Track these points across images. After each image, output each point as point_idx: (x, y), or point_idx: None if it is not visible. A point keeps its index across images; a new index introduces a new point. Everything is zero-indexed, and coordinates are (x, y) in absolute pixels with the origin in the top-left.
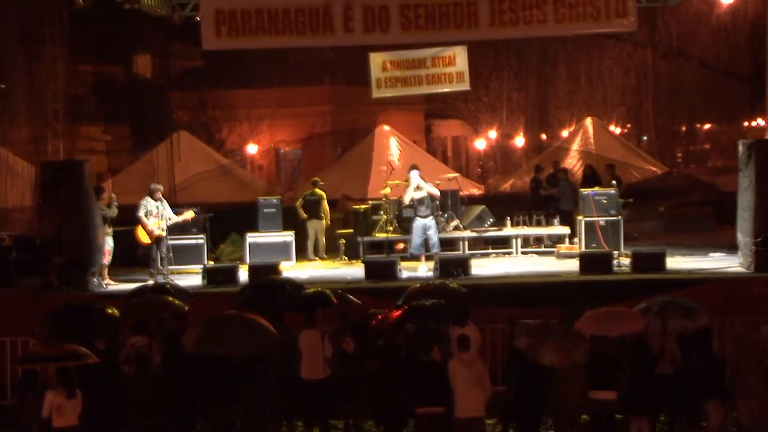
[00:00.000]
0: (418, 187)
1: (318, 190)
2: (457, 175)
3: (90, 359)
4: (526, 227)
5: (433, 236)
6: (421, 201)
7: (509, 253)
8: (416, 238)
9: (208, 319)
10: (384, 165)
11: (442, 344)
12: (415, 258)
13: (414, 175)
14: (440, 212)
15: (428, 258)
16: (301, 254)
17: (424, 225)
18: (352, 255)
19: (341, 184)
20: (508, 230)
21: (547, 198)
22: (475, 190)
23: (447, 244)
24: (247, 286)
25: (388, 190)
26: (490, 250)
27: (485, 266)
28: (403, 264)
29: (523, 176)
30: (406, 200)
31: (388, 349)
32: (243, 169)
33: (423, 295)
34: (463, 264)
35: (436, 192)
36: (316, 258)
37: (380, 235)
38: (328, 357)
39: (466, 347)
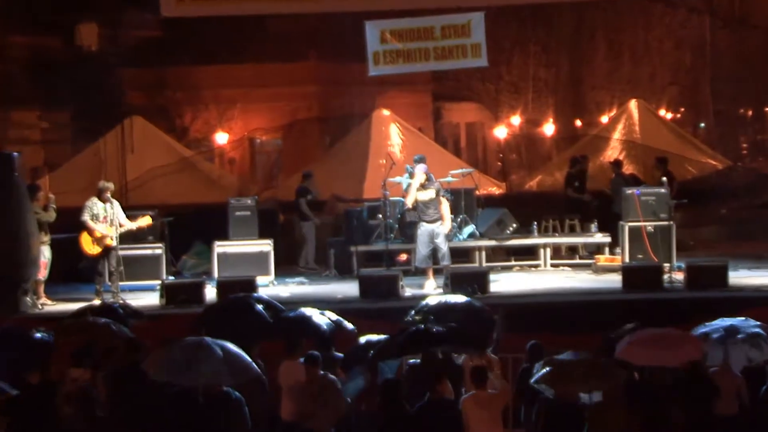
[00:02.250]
0: (423, 186)
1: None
2: (472, 170)
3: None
4: (556, 234)
5: (443, 245)
6: (427, 203)
7: (536, 266)
8: (422, 248)
9: (171, 346)
10: (383, 158)
11: (454, 378)
12: (421, 272)
13: (419, 170)
14: (452, 216)
15: (437, 272)
16: (286, 266)
17: (432, 232)
18: (343, 268)
19: (330, 181)
20: (534, 238)
21: (578, 200)
22: (495, 189)
23: (460, 254)
24: (214, 306)
25: (387, 189)
26: (513, 263)
27: (506, 282)
28: (407, 279)
29: (553, 172)
30: (410, 202)
31: (388, 384)
32: (210, 163)
33: (436, 313)
34: (479, 279)
35: (445, 206)
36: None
37: (378, 244)
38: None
39: (482, 382)
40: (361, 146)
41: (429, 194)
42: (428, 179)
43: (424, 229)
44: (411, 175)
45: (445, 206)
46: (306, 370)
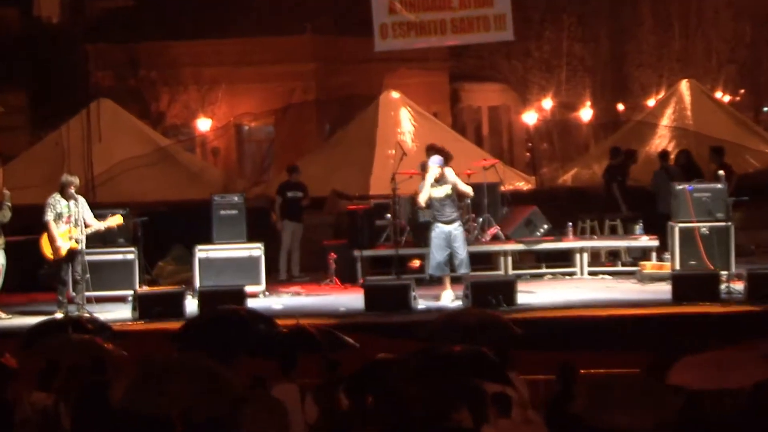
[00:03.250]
0: (439, 180)
1: (301, 181)
2: (496, 162)
3: None
4: (595, 237)
5: (461, 250)
6: (443, 200)
7: (571, 274)
8: (437, 253)
9: (143, 364)
10: (392, 148)
11: (473, 404)
12: (437, 281)
13: (433, 162)
14: (472, 215)
15: (455, 281)
16: (271, 274)
17: (449, 234)
18: (346, 276)
19: (330, 175)
20: (569, 241)
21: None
22: (522, 184)
23: (482, 260)
24: (195, 320)
25: (397, 184)
26: (544, 270)
27: (536, 292)
28: (419, 289)
29: (590, 164)
30: (422, 199)
31: (397, 411)
32: (191, 154)
33: (449, 332)
34: (504, 289)
35: (467, 189)
36: (293, 272)
37: (386, 248)
38: (310, 422)
39: (506, 410)
40: (367, 134)
41: (445, 191)
42: (444, 173)
43: (439, 230)
44: (424, 169)
45: (464, 188)
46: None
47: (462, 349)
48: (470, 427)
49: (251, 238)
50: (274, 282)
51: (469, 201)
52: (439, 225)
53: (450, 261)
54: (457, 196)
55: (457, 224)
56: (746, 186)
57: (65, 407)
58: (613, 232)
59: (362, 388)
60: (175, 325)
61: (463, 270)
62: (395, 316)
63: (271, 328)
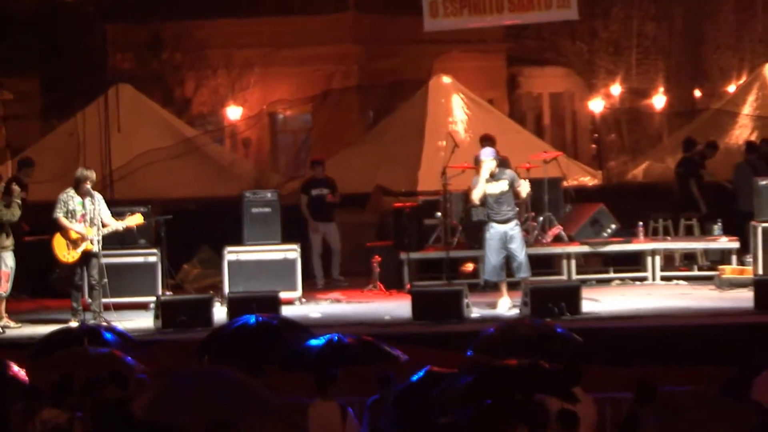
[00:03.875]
0: (494, 175)
1: (328, 176)
2: (558, 154)
3: None
4: (668, 238)
5: (519, 252)
6: (499, 197)
7: (642, 280)
8: (492, 256)
9: (167, 376)
10: (442, 139)
11: (534, 422)
12: (492, 286)
13: (486, 154)
14: (531, 214)
15: (512, 287)
16: (307, 279)
17: (505, 235)
18: (391, 281)
19: (373, 169)
20: (639, 243)
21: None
22: (588, 179)
23: (543, 264)
24: (222, 330)
25: (448, 179)
26: (612, 275)
27: (603, 300)
28: (473, 296)
29: (663, 157)
30: (476, 196)
31: (449, 429)
32: (219, 146)
33: (506, 344)
34: (568, 296)
35: (524, 186)
36: (329, 284)
37: (436, 251)
38: None
39: (572, 429)
40: (415, 124)
41: (501, 186)
42: (500, 167)
43: (494, 231)
44: (478, 162)
45: (525, 185)
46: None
47: (521, 362)
48: None
49: (286, 239)
50: (312, 288)
51: (527, 197)
52: (495, 225)
53: (507, 265)
54: (515, 192)
55: (514, 224)
56: None
57: (80, 425)
58: (689, 233)
59: (413, 403)
60: (201, 335)
61: (522, 274)
62: (446, 326)
63: (305, 339)
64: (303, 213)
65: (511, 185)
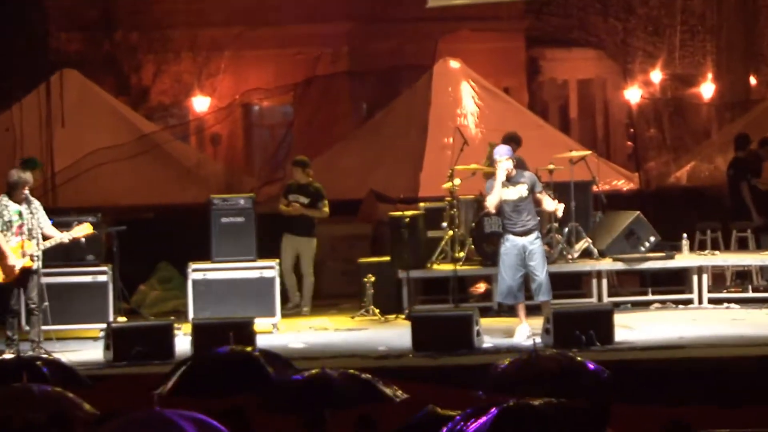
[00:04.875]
0: (510, 178)
1: (313, 182)
2: (588, 153)
3: None
4: (717, 253)
5: (540, 270)
6: (518, 204)
7: (686, 303)
8: (508, 274)
9: (118, 423)
10: (449, 134)
11: None
12: (508, 310)
13: (503, 153)
14: (555, 224)
15: (532, 311)
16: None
17: (523, 249)
18: (387, 305)
19: (367, 170)
20: (684, 258)
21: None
22: (622, 183)
23: (568, 284)
24: (187, 363)
25: (457, 182)
26: (650, 297)
27: (640, 327)
28: (486, 321)
29: (712, 156)
30: (491, 203)
31: None
32: (183, 143)
33: (524, 380)
34: (598, 322)
35: (552, 204)
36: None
37: (442, 267)
38: None
39: None
40: (416, 116)
41: (519, 192)
42: (518, 168)
43: (511, 244)
44: (491, 163)
45: (548, 199)
46: None
47: (542, 402)
48: None
49: (263, 254)
50: (286, 313)
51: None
52: (511, 237)
53: (525, 285)
54: (535, 200)
55: (534, 236)
56: None
57: None
58: (743, 247)
59: None
60: (162, 369)
61: (543, 297)
62: (452, 358)
63: (285, 374)
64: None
65: (532, 190)
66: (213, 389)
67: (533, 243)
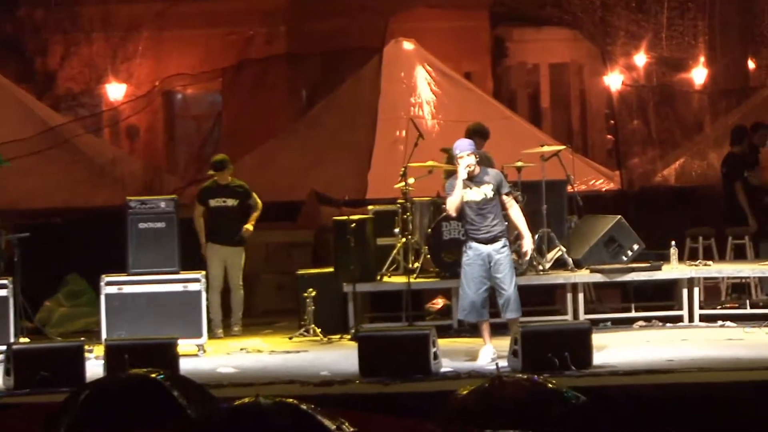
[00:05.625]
0: (474, 177)
1: (238, 182)
2: (561, 148)
3: None
4: (711, 264)
5: (508, 284)
6: (482, 207)
7: (676, 320)
8: (471, 287)
9: None
10: (402, 127)
11: None
12: (470, 329)
13: (464, 148)
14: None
15: (498, 330)
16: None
17: (488, 259)
18: (331, 323)
19: (308, 169)
20: (672, 269)
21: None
22: (602, 182)
23: (540, 299)
24: (93, 390)
25: (411, 182)
26: (634, 313)
27: (622, 348)
28: (444, 342)
29: (706, 152)
30: (452, 205)
31: None
32: (95, 137)
33: (487, 410)
34: (573, 343)
35: (515, 209)
36: (232, 330)
37: (394, 280)
38: None
39: None
40: (364, 106)
41: (483, 192)
42: (482, 166)
43: (474, 253)
44: (451, 159)
45: (516, 211)
46: None
47: None
48: None
49: (187, 265)
50: (212, 336)
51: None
52: (475, 245)
53: (491, 300)
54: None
55: (501, 244)
56: None
57: None
58: (740, 256)
59: None
60: (65, 396)
61: (511, 314)
62: (406, 384)
63: (206, 403)
64: (196, 230)
65: (498, 191)
66: (111, 423)
67: (500, 252)
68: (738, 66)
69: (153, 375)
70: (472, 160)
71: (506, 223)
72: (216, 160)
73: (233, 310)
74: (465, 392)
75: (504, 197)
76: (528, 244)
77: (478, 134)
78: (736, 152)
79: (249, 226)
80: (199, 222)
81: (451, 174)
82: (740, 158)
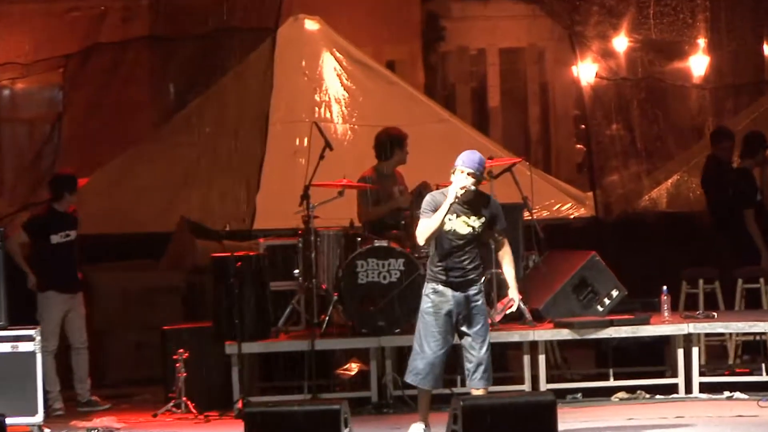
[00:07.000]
0: (468, 202)
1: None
2: (516, 161)
3: None
4: (714, 316)
5: (480, 341)
6: (464, 243)
7: (668, 391)
8: (431, 344)
9: None
10: (303, 135)
11: None
12: (393, 403)
13: (468, 163)
14: (497, 270)
15: (439, 401)
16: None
17: (463, 306)
18: (209, 395)
19: (176, 189)
20: (663, 324)
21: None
22: (569, 206)
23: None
24: None
25: (315, 206)
26: (613, 382)
27: (596, 429)
28: (360, 420)
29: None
30: (424, 231)
31: None
32: None
33: None
34: (533, 420)
35: (508, 256)
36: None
37: (293, 339)
38: None
39: None
40: (251, 105)
41: (472, 225)
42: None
43: (439, 299)
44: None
45: (510, 256)
46: None
47: None
48: None
49: (16, 318)
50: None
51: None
52: (442, 288)
53: (448, 363)
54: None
55: (477, 289)
56: None
57: None
58: (752, 305)
59: None
60: None
61: (482, 383)
62: None
63: None
64: (26, 271)
65: (490, 225)
66: None
67: (474, 299)
68: (750, 53)
69: None
70: (469, 183)
71: (482, 267)
72: (58, 179)
73: (77, 378)
74: None
75: (496, 235)
76: (515, 297)
77: (392, 143)
78: (748, 168)
79: None
80: (19, 251)
81: (426, 188)
82: (753, 177)
